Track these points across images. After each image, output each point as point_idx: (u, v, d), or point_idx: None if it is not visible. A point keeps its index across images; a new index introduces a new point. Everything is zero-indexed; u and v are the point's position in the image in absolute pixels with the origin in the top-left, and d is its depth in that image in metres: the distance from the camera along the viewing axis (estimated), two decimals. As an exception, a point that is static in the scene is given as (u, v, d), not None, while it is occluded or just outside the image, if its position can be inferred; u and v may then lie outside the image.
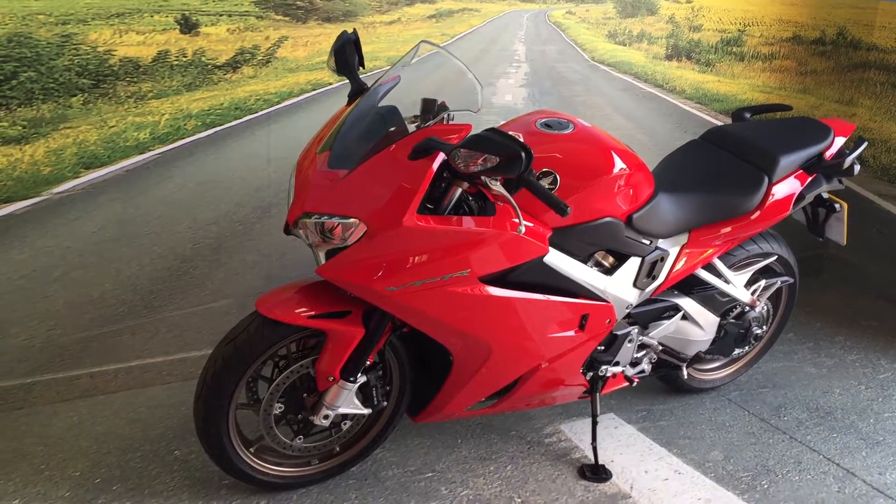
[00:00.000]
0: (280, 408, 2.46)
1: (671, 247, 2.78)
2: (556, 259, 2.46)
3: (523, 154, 2.02)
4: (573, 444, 2.96)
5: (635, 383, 2.91)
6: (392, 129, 2.32)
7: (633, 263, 2.70)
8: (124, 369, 3.15)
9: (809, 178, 2.93)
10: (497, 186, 2.19)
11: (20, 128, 2.75)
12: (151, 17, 2.86)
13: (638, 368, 2.93)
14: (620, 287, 2.68)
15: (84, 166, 2.89)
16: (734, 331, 3.11)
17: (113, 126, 2.89)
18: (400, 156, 2.18)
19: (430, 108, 2.47)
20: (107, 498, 2.55)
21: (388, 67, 2.52)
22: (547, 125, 2.52)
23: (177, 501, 2.55)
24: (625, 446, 2.98)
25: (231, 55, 3.02)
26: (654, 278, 2.77)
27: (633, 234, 2.63)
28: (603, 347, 2.79)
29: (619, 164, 2.50)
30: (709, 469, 2.86)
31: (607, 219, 2.52)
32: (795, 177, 2.90)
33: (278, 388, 2.43)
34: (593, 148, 2.50)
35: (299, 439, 2.53)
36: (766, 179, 2.83)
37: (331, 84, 3.21)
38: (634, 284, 2.72)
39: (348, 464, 2.69)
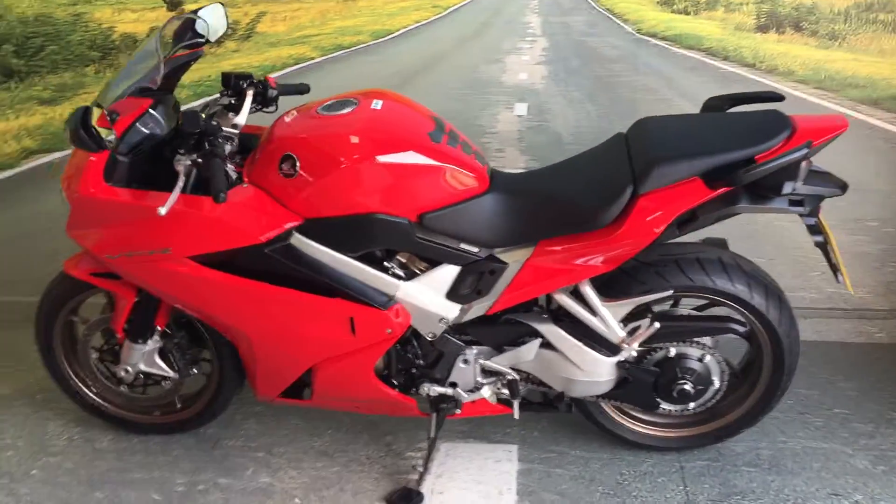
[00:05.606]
0: (95, 355, 2.69)
1: (512, 259, 2.32)
2: (301, 250, 2.25)
3: (82, 132, 1.98)
4: (428, 467, 2.64)
5: (459, 411, 2.49)
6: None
7: (446, 272, 2.32)
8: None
9: (715, 194, 2.14)
10: (180, 163, 2.14)
11: (51, 91, 3.35)
12: (142, -3, 3.24)
13: (476, 395, 2.49)
14: (423, 297, 2.33)
15: (102, 125, 3.39)
16: (644, 379, 2.44)
17: (120, 93, 3.34)
18: (99, 125, 2.24)
19: (227, 83, 2.43)
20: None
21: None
22: (329, 107, 2.30)
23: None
24: (477, 483, 2.57)
25: (214, 30, 3.25)
26: (481, 293, 2.34)
27: (431, 236, 2.27)
28: (423, 362, 2.46)
29: (389, 154, 2.18)
30: (537, 537, 2.35)
31: (377, 214, 2.22)
32: (687, 189, 2.15)
33: (86, 336, 2.66)
34: (355, 132, 2.20)
35: (123, 388, 2.72)
36: (631, 189, 2.17)
37: (313, 58, 3.24)
38: (451, 297, 2.34)
39: (192, 422, 2.79)
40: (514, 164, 3.20)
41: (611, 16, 3.10)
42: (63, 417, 2.92)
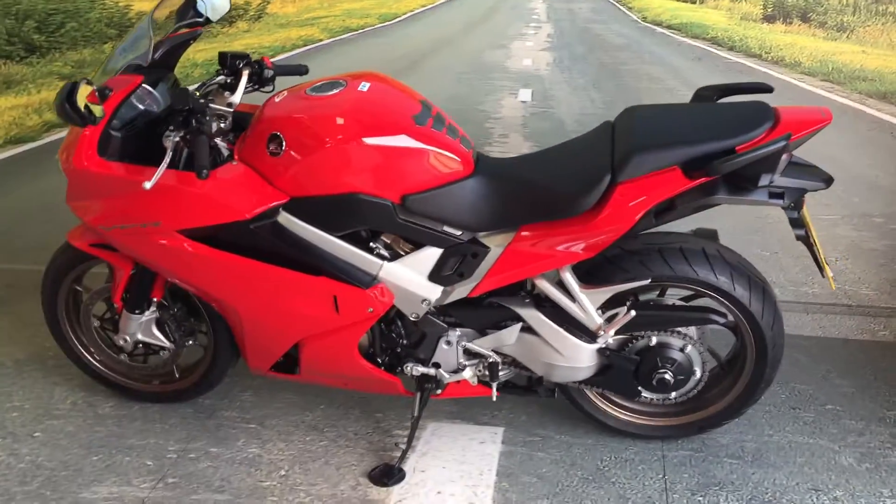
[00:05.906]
0: (97, 323, 2.78)
1: (494, 244, 2.34)
2: (287, 228, 2.30)
3: (67, 106, 2.04)
4: (413, 445, 2.67)
5: (441, 391, 2.53)
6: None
7: (428, 254, 2.36)
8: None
9: (693, 183, 2.15)
10: (168, 139, 2.20)
11: (70, 67, 3.46)
12: (157, -24, 3.30)
13: (458, 376, 2.53)
14: (405, 277, 2.37)
15: (118, 102, 3.49)
16: (624, 366, 2.46)
17: (135, 70, 3.43)
18: (93, 101, 2.31)
19: (224, 62, 2.48)
20: None
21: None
22: (318, 88, 2.34)
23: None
24: (459, 462, 2.61)
25: (226, 10, 3.31)
26: (463, 276, 2.37)
27: (413, 218, 2.30)
28: (407, 342, 2.51)
29: (372, 135, 2.22)
30: (511, 516, 2.39)
31: (360, 195, 2.26)
32: (666, 178, 2.15)
33: (88, 305, 2.76)
34: (340, 114, 2.24)
35: (123, 356, 2.82)
36: (609, 176, 2.18)
37: (321, 40, 3.28)
38: (434, 278, 2.38)
39: (190, 391, 2.86)
40: (518, 150, 3.22)
41: (616, 3, 3.09)
42: (70, 383, 3.03)
